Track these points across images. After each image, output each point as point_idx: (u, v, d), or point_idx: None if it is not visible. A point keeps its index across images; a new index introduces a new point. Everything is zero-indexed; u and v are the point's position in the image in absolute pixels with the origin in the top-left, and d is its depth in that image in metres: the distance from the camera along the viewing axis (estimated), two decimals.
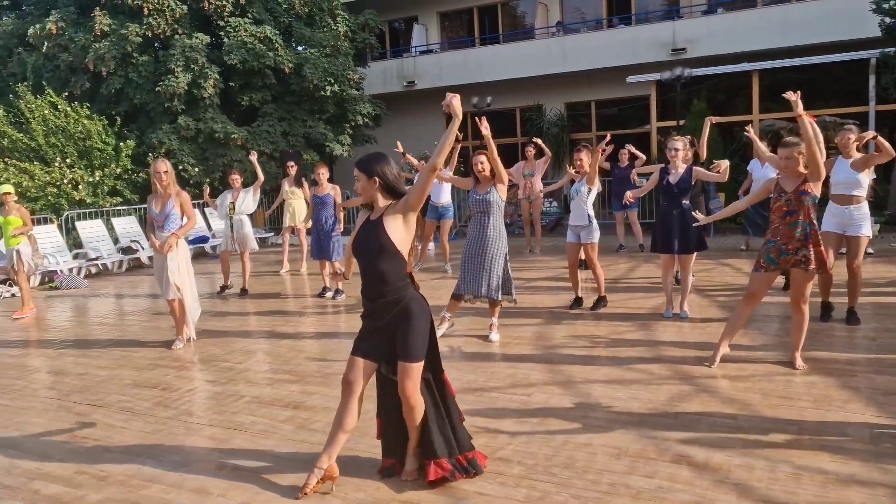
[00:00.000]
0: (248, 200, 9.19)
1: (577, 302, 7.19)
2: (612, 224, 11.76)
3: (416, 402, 3.29)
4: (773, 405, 4.22)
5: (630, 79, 15.60)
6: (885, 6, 12.23)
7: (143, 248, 12.79)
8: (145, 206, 6.81)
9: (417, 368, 3.27)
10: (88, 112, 14.60)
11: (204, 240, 14.00)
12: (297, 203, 11.00)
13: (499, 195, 5.95)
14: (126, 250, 12.78)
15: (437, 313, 3.51)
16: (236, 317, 7.85)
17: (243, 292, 9.18)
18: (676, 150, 6.41)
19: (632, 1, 19.07)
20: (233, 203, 9.14)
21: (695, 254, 6.52)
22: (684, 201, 6.35)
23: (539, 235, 11.91)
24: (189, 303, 6.51)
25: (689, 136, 7.18)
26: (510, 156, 19.53)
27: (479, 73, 19.37)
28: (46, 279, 11.24)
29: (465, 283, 5.99)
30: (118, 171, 14.61)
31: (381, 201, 3.32)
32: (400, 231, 3.26)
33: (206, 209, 15.13)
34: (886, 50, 12.50)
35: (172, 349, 6.48)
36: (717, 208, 11.72)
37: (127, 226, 13.36)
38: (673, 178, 6.40)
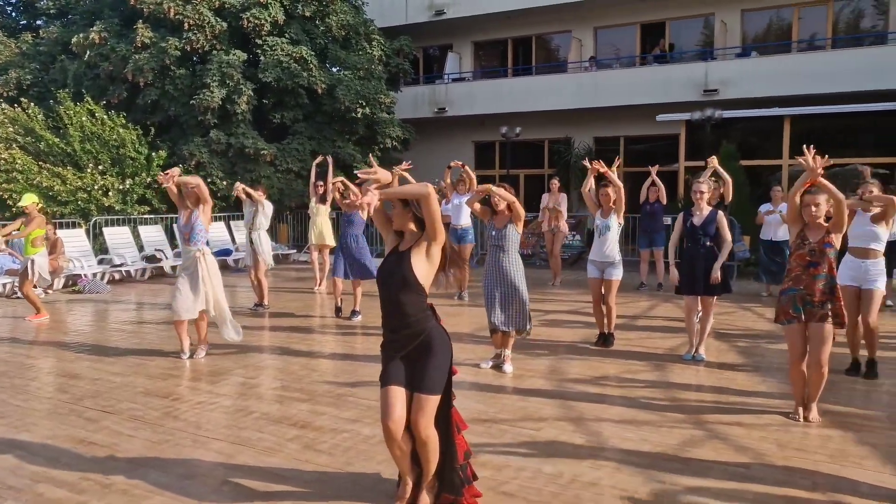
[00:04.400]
0: (263, 216, 9.31)
1: (601, 338, 7.12)
2: (635, 261, 11.68)
3: (429, 436, 3.20)
4: (788, 456, 4.12)
5: (660, 117, 15.60)
6: None
7: (166, 258, 12.94)
8: (172, 215, 6.89)
9: (433, 402, 3.21)
10: (124, 121, 14.94)
11: (227, 252, 14.13)
12: (321, 221, 11.02)
13: (516, 231, 6.01)
14: (150, 258, 12.93)
15: (456, 342, 3.47)
16: (251, 331, 7.86)
17: (257, 307, 9.26)
18: (702, 192, 6.38)
19: (666, 40, 19.12)
20: (252, 219, 9.29)
21: (715, 297, 6.45)
22: (708, 243, 6.30)
23: (559, 268, 11.89)
24: (226, 312, 6.63)
25: (713, 178, 7.11)
26: (536, 187, 19.58)
27: (511, 103, 19.47)
28: (71, 282, 11.39)
29: (495, 315, 5.97)
30: (148, 180, 14.86)
31: (413, 231, 3.28)
32: (424, 265, 3.21)
33: (231, 223, 15.31)
34: None
35: (195, 358, 6.56)
36: (741, 252, 11.58)
37: (153, 234, 13.54)
38: (697, 220, 6.35)
